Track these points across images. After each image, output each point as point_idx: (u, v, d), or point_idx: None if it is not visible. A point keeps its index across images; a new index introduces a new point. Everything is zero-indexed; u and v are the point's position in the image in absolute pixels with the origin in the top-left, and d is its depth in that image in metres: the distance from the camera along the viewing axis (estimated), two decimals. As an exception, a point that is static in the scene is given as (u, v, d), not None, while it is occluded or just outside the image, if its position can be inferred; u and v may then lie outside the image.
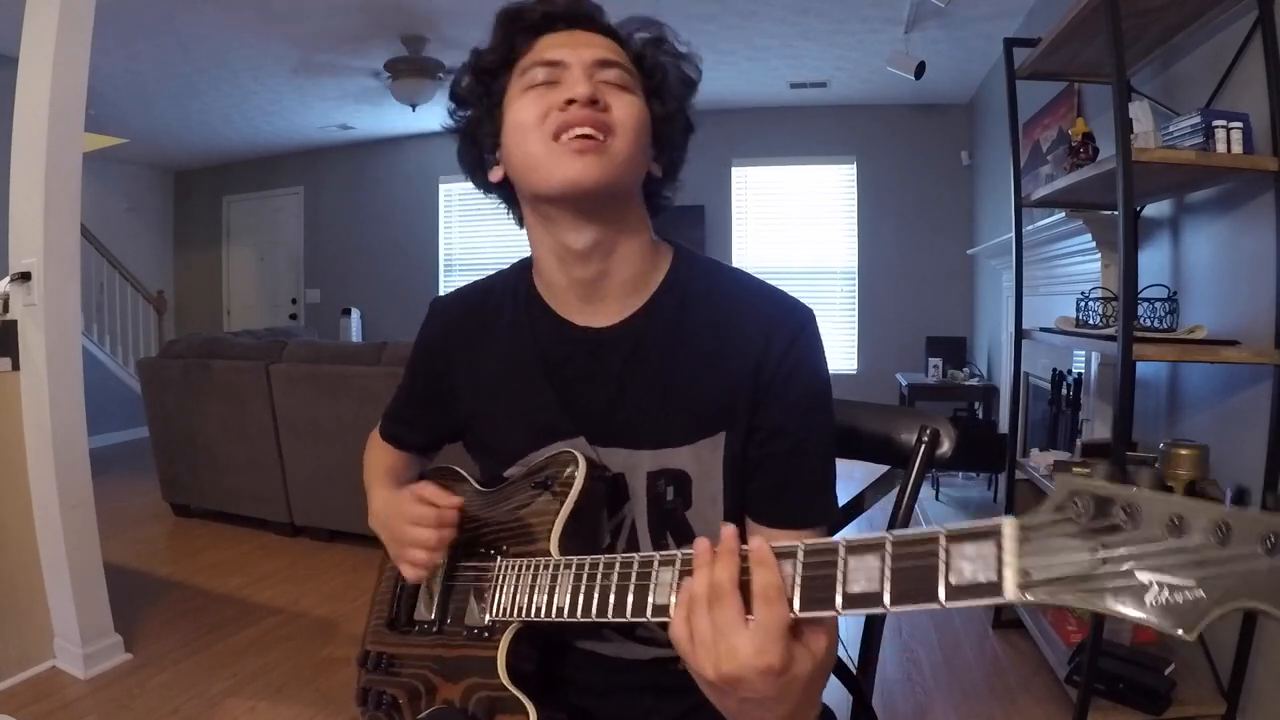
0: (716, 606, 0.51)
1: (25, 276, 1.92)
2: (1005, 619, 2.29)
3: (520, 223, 0.80)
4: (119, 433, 5.16)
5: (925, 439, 0.86)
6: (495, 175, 0.76)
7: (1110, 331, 1.78)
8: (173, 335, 5.08)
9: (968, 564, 0.43)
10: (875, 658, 0.92)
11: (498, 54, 0.74)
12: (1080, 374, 2.49)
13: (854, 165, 5.34)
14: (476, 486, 0.85)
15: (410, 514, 0.75)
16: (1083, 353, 2.51)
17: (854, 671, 0.92)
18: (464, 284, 0.89)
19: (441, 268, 6.37)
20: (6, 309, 1.97)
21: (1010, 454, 2.39)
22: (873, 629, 0.93)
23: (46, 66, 1.86)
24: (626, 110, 0.70)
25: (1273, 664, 1.60)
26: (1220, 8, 1.71)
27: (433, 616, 0.80)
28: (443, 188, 6.28)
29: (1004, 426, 3.76)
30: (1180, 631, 0.36)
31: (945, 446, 0.86)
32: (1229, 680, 1.67)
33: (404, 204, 6.39)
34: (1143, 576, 0.37)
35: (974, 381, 4.35)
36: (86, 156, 2.24)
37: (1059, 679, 1.85)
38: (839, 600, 0.48)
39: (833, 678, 0.94)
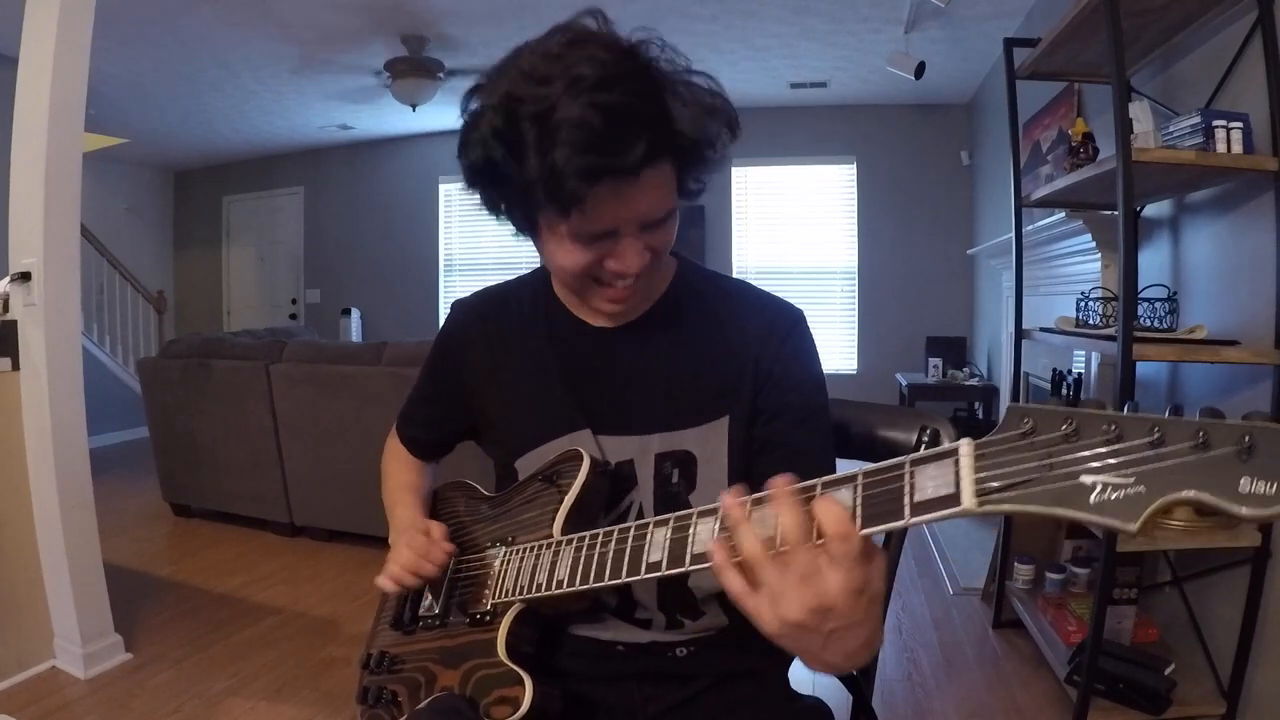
0: (789, 556, 0.50)
1: (25, 276, 1.92)
2: (1005, 619, 2.29)
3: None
4: (119, 433, 5.16)
5: (925, 439, 0.87)
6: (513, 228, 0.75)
7: (1110, 331, 1.78)
8: (173, 335, 5.08)
9: (930, 482, 0.47)
10: (875, 658, 0.92)
11: (550, 195, 0.62)
12: (1080, 374, 2.49)
13: (854, 165, 5.34)
14: (485, 494, 0.89)
15: (409, 537, 0.82)
16: (1083, 353, 2.51)
17: (854, 671, 0.92)
18: (477, 287, 0.93)
19: (441, 268, 6.37)
20: (6, 309, 1.97)
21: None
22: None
23: (46, 66, 1.86)
24: (663, 245, 0.72)
25: (1273, 664, 1.60)
26: (1220, 8, 1.71)
27: (437, 611, 0.83)
28: (443, 188, 6.28)
29: (1004, 426, 3.76)
30: (1124, 524, 0.39)
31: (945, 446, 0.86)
32: (1229, 680, 1.67)
33: (404, 204, 6.39)
34: (1087, 479, 0.41)
35: (974, 381, 4.35)
36: (86, 156, 2.24)
37: (1059, 679, 1.85)
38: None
39: (833, 678, 0.94)
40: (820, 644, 0.52)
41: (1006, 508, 0.43)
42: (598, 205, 0.63)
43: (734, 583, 0.52)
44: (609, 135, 0.59)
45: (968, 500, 0.44)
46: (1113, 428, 0.40)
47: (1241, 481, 0.36)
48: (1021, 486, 0.42)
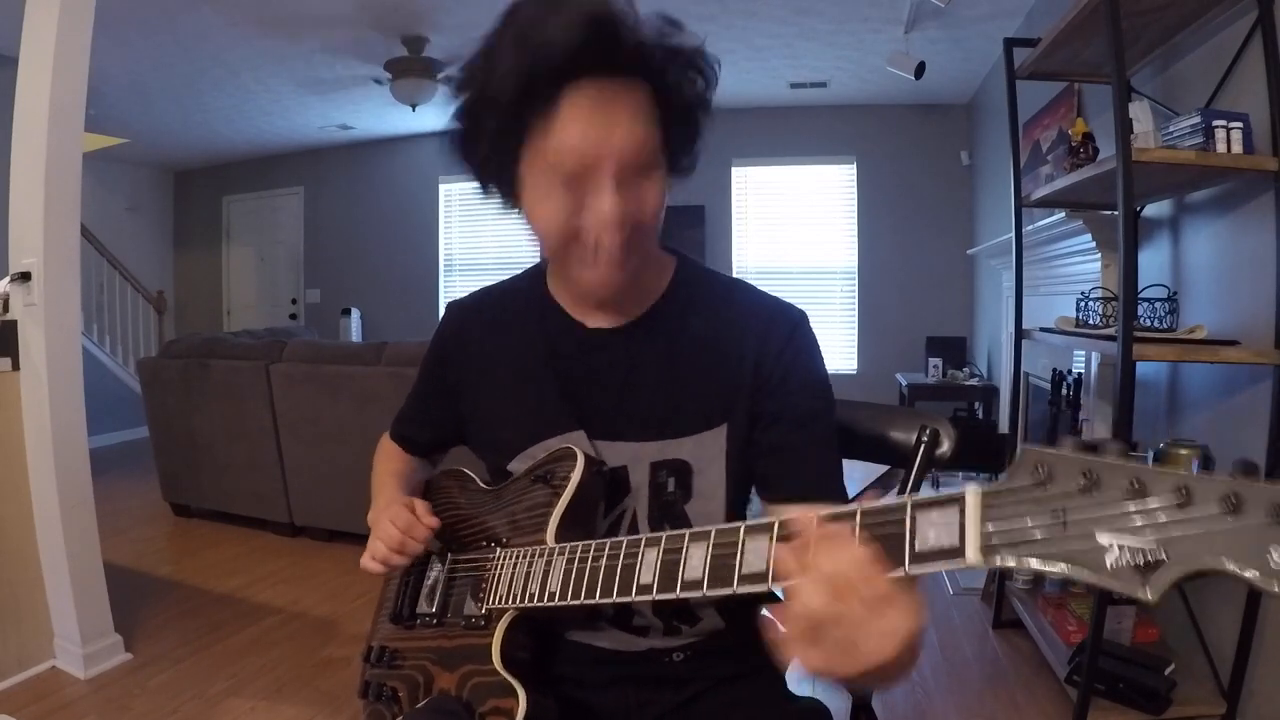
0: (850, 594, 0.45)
1: (25, 276, 1.92)
2: (1005, 619, 2.29)
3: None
4: (119, 433, 5.15)
5: (925, 439, 0.86)
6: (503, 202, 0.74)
7: (1110, 331, 1.78)
8: (173, 335, 5.08)
9: (932, 530, 0.44)
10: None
11: (516, 98, 0.62)
12: (1080, 374, 2.49)
13: (854, 165, 5.34)
14: (481, 486, 0.87)
15: (393, 513, 0.81)
16: (1083, 353, 2.51)
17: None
18: (477, 287, 0.92)
19: (441, 268, 6.36)
20: (6, 309, 1.97)
21: (1010, 454, 2.39)
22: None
23: (46, 66, 1.86)
24: (650, 203, 0.68)
25: (1273, 664, 1.60)
26: (1220, 8, 1.71)
27: (434, 609, 0.82)
28: (443, 188, 6.27)
29: (1004, 426, 3.76)
30: (1142, 594, 0.36)
31: (945, 446, 0.86)
32: (1229, 680, 1.67)
33: (404, 204, 6.39)
34: (1103, 539, 0.38)
35: (974, 381, 4.35)
36: (86, 156, 2.24)
37: (1059, 679, 1.85)
38: None
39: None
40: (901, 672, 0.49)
41: (1013, 564, 0.41)
42: (566, 120, 0.62)
43: (816, 601, 0.46)
44: (588, 30, 0.60)
45: (972, 554, 0.42)
46: (1136, 483, 0.37)
47: (1273, 552, 0.33)
48: (1031, 545, 0.40)
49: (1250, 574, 0.34)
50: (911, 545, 0.45)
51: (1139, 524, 0.37)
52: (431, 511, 0.82)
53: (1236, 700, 1.65)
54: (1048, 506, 0.40)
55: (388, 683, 0.83)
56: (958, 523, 0.43)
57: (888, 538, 0.46)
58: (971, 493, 0.43)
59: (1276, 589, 0.33)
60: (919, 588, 0.48)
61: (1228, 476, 0.36)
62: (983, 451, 3.40)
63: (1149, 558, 0.36)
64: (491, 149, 0.67)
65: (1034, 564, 0.40)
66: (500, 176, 0.69)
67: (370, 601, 0.96)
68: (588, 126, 0.63)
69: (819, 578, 0.45)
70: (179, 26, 3.84)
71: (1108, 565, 0.37)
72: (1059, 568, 0.39)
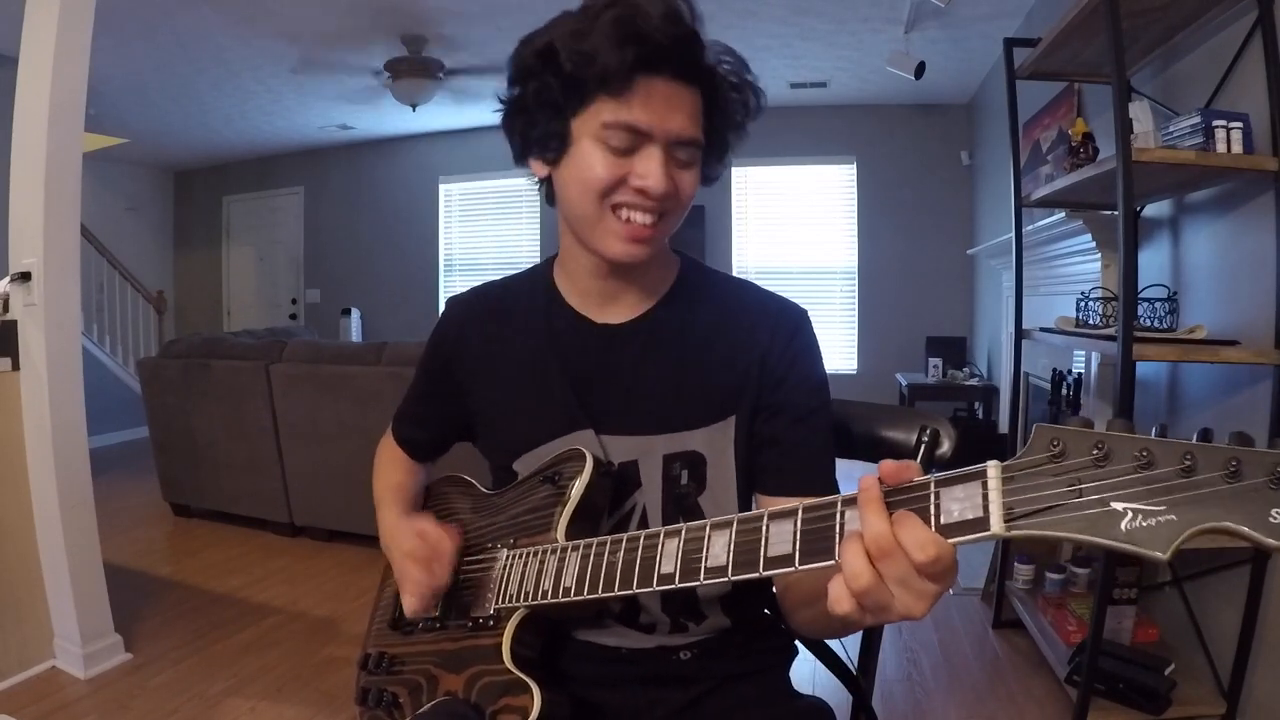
0: (890, 558, 0.48)
1: (25, 276, 1.92)
2: (1005, 619, 2.29)
3: (550, 200, 0.80)
4: (119, 433, 5.15)
5: (925, 439, 0.86)
6: (538, 170, 0.77)
7: (1110, 331, 1.78)
8: (173, 335, 5.07)
9: (956, 505, 0.46)
10: (875, 658, 0.92)
11: (592, 70, 0.67)
12: (1080, 374, 2.49)
13: (854, 165, 5.34)
14: (483, 490, 0.87)
15: (408, 548, 0.81)
16: (1083, 353, 2.51)
17: (854, 671, 0.92)
18: (476, 284, 0.91)
19: (441, 268, 6.37)
20: (6, 309, 1.97)
21: (1010, 454, 2.38)
22: (873, 629, 0.93)
23: (46, 66, 1.86)
24: (686, 189, 0.74)
25: (1273, 664, 1.60)
26: (1220, 8, 1.71)
27: (437, 613, 0.82)
28: (443, 188, 6.28)
29: (1004, 426, 3.76)
30: (1156, 552, 0.39)
31: (945, 447, 0.86)
32: (1229, 680, 1.67)
33: (404, 204, 6.39)
34: (1117, 505, 0.40)
35: (974, 381, 4.35)
36: (86, 156, 2.24)
37: (1059, 679, 1.85)
38: (836, 550, 0.50)
39: (833, 678, 0.95)
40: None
41: (1036, 533, 0.43)
42: (634, 98, 0.68)
43: (863, 573, 0.49)
44: (680, 38, 0.68)
45: (996, 525, 0.43)
46: (1144, 453, 0.40)
47: (1273, 512, 0.36)
48: (1050, 512, 0.42)
49: (1252, 532, 0.37)
50: (937, 519, 0.46)
51: (1149, 490, 0.40)
52: (455, 542, 0.81)
53: (1236, 700, 1.66)
54: (1064, 478, 0.42)
55: (388, 688, 0.82)
56: (981, 496, 0.45)
57: (914, 513, 0.47)
58: (993, 466, 0.45)
59: (1273, 543, 0.36)
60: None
61: (1227, 445, 0.39)
62: (983, 451, 3.40)
63: (1160, 520, 0.39)
64: (553, 102, 0.70)
65: (1054, 532, 0.42)
66: (549, 129, 0.72)
67: (370, 602, 0.96)
68: (653, 108, 0.69)
69: (859, 548, 0.48)
70: (179, 26, 3.84)
71: (1122, 529, 0.40)
72: (1078, 535, 0.41)
